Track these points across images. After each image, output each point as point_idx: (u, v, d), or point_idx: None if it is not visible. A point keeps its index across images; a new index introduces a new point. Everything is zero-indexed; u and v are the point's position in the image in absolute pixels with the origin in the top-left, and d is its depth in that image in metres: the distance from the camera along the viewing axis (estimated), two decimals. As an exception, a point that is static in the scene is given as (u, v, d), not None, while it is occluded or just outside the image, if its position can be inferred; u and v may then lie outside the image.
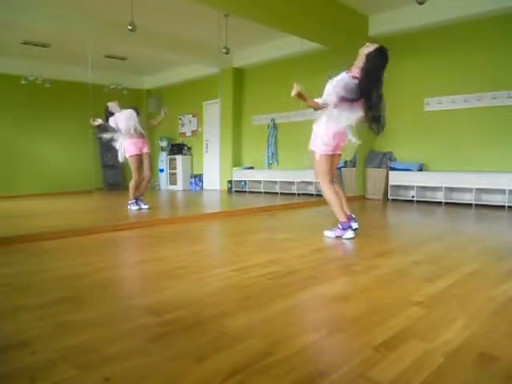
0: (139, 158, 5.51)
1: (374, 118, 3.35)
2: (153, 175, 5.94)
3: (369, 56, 3.26)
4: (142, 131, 5.52)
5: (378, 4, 6.42)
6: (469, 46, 6.13)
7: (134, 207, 5.59)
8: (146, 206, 5.64)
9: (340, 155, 3.68)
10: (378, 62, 3.26)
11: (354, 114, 3.34)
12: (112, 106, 5.53)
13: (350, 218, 3.57)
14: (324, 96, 3.38)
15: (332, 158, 3.55)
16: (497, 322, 1.63)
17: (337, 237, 3.47)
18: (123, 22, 5.61)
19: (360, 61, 3.31)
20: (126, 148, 5.45)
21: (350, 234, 3.44)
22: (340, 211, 3.48)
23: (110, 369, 1.27)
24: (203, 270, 2.50)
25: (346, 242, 3.34)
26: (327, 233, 3.58)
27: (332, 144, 3.46)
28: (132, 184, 5.56)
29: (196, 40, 7.81)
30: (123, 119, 5.46)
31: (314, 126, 3.55)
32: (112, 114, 5.54)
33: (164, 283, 2.22)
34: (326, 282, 2.21)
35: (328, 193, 3.52)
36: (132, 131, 5.42)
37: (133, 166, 5.50)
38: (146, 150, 5.58)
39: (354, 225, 3.64)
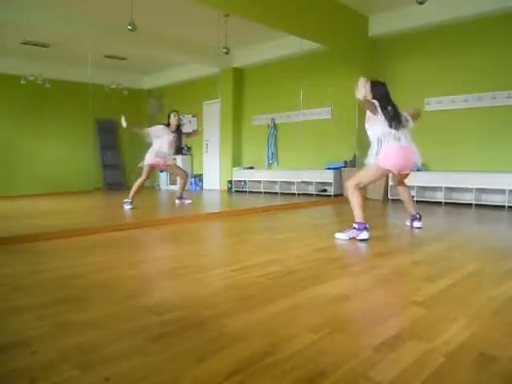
0: (152, 167, 5.90)
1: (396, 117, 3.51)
2: (187, 175, 6.36)
3: (372, 90, 3.48)
4: (169, 156, 5.89)
5: (378, 4, 6.42)
6: (469, 46, 6.13)
7: (128, 206, 5.66)
8: (189, 201, 6.16)
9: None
10: (379, 85, 3.55)
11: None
12: (174, 119, 5.89)
13: (413, 217, 3.89)
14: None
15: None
16: (497, 322, 1.63)
17: (350, 238, 3.35)
18: (123, 22, 5.61)
19: (367, 95, 3.43)
20: (146, 158, 5.81)
21: (365, 234, 3.32)
22: (360, 211, 3.40)
23: (109, 369, 1.27)
24: (203, 270, 2.50)
25: (347, 242, 3.32)
26: (339, 235, 3.42)
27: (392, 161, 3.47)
28: (137, 184, 5.78)
29: (196, 40, 7.81)
30: (162, 142, 5.75)
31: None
32: (172, 125, 5.91)
33: (164, 283, 2.22)
34: (326, 282, 2.21)
35: (349, 193, 3.53)
36: (161, 155, 5.77)
37: (145, 169, 5.84)
38: (168, 162, 5.91)
39: (418, 224, 3.88)
